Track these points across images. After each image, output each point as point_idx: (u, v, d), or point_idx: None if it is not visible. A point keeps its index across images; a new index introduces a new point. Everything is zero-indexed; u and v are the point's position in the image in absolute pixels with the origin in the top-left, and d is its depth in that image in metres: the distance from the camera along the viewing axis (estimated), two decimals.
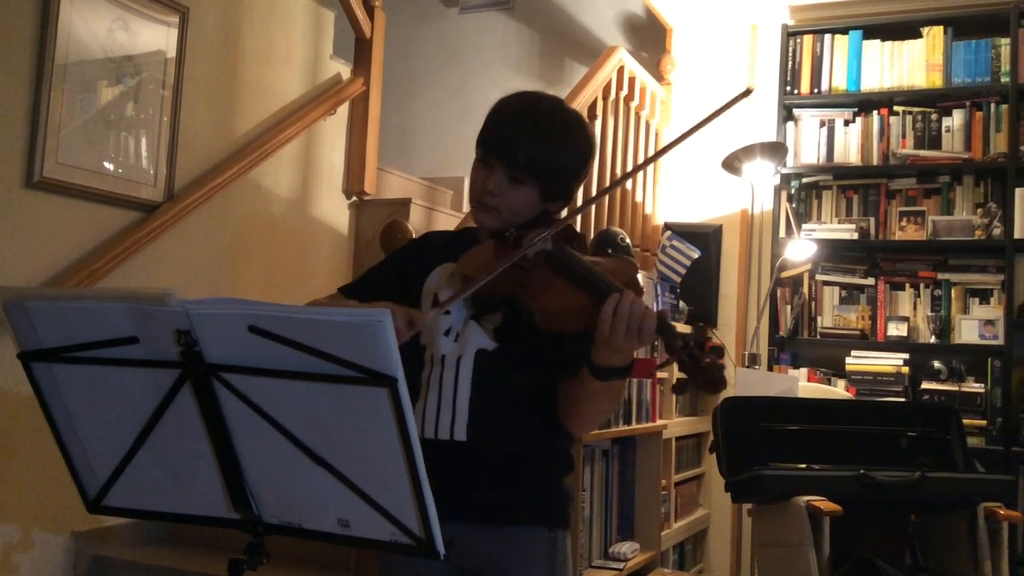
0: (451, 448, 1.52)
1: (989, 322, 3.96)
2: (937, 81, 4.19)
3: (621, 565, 3.00)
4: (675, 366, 1.40)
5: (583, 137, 1.62)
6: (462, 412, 1.53)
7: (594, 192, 3.83)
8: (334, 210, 3.90)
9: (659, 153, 1.69)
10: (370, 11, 3.99)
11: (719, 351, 1.39)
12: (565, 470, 1.65)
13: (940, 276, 4.13)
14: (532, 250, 1.49)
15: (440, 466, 1.51)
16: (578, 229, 1.64)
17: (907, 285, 4.19)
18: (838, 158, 4.32)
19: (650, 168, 4.54)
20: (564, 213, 1.67)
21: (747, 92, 1.63)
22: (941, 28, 4.19)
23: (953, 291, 4.09)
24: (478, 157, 1.61)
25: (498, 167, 1.56)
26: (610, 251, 1.62)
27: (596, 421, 1.60)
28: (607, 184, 4.06)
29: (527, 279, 1.47)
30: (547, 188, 1.57)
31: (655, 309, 1.38)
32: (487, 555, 1.54)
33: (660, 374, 3.57)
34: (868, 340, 4.17)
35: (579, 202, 3.76)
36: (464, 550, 1.51)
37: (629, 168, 4.30)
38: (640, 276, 1.51)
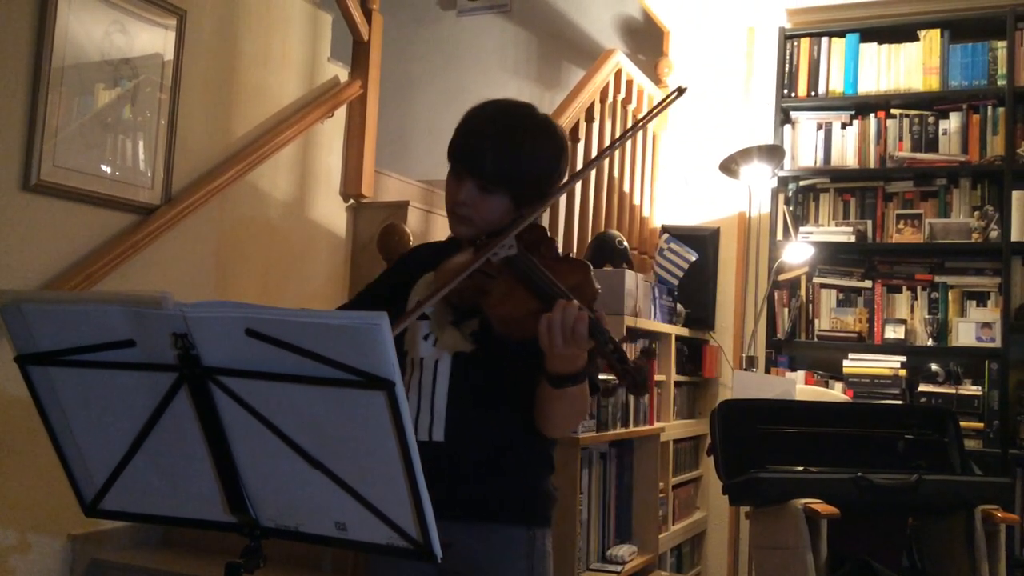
0: (431, 449, 1.54)
1: (986, 325, 3.97)
2: (934, 84, 4.20)
3: (619, 568, 3.00)
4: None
5: (552, 141, 1.63)
6: (439, 414, 1.57)
7: (578, 192, 3.82)
8: (331, 213, 3.90)
9: (601, 154, 1.75)
10: (368, 14, 3.99)
11: (649, 353, 1.44)
12: (545, 470, 1.68)
13: (937, 279, 4.14)
14: (495, 257, 1.51)
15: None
16: (560, 232, 1.71)
17: (904, 288, 4.20)
18: (835, 161, 4.33)
19: (647, 171, 4.54)
20: (545, 217, 1.70)
21: (680, 91, 1.70)
22: (938, 31, 4.20)
23: (950, 294, 4.10)
24: (450, 168, 1.63)
25: (468, 177, 1.59)
26: (571, 255, 1.66)
27: (565, 425, 1.62)
28: (604, 187, 4.06)
29: (490, 286, 1.50)
30: (519, 194, 1.59)
31: (591, 313, 1.40)
32: (465, 553, 1.55)
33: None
34: (865, 343, 4.18)
35: (567, 203, 3.77)
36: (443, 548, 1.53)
37: (627, 171, 4.30)
38: (592, 278, 1.53)
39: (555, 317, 1.38)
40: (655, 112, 1.68)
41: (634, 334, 3.24)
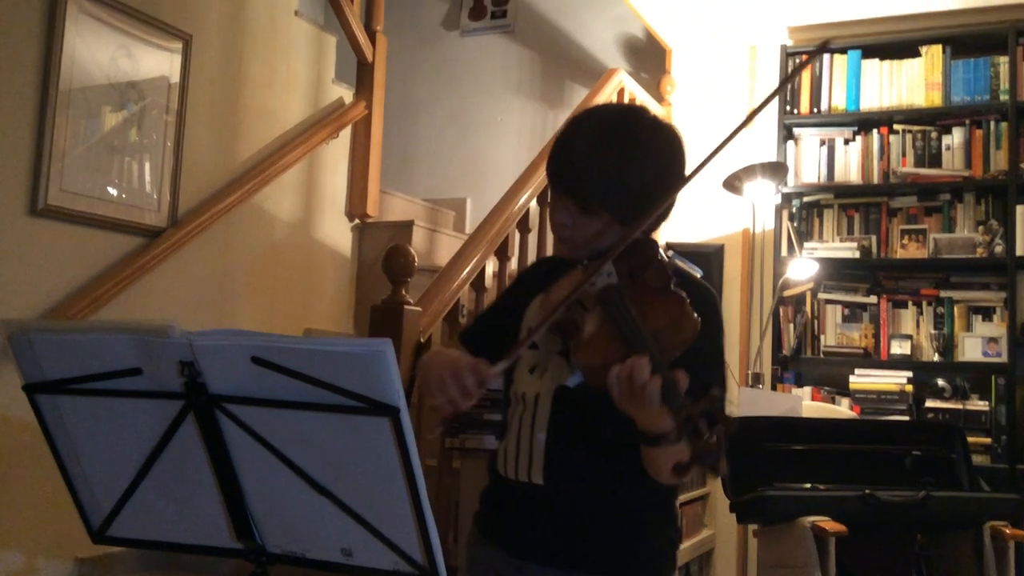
0: (530, 490, 1.45)
1: (992, 340, 3.96)
2: (936, 100, 4.20)
3: None
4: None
5: (657, 148, 1.45)
6: (538, 455, 1.44)
7: None
8: (337, 233, 3.91)
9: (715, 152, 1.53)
10: (372, 35, 4.02)
11: (728, 425, 1.14)
12: (659, 520, 1.51)
13: (942, 294, 4.13)
14: (591, 287, 1.35)
15: (520, 507, 1.47)
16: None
17: (910, 303, 4.19)
18: (839, 177, 4.33)
19: None
20: (658, 235, 1.55)
21: (824, 46, 1.52)
22: (940, 47, 4.21)
23: (956, 309, 4.09)
24: (550, 187, 1.50)
25: (565, 198, 1.44)
26: (673, 283, 1.35)
27: (673, 478, 1.34)
28: None
29: (583, 321, 1.33)
30: (623, 212, 1.41)
31: (665, 372, 1.18)
32: None
33: None
34: (871, 358, 4.17)
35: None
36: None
37: None
38: (689, 310, 1.29)
39: (620, 375, 1.20)
40: (801, 69, 1.50)
41: None
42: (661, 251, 1.44)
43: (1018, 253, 3.92)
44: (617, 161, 1.41)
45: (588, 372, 1.30)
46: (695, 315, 1.29)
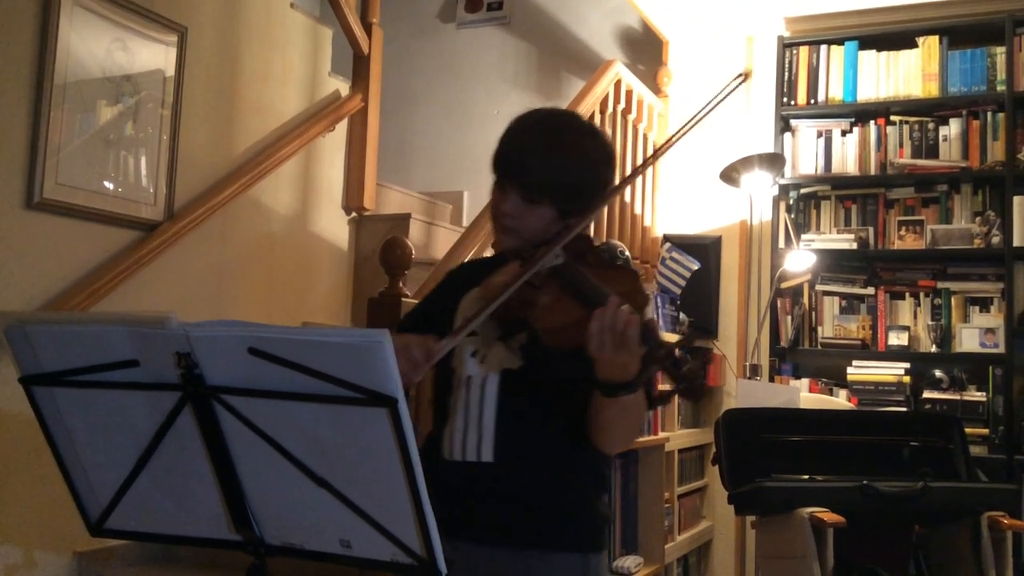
0: (479, 469, 1.51)
1: (990, 330, 3.96)
2: (933, 90, 4.20)
3: None
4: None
5: (596, 150, 1.59)
6: (488, 433, 1.52)
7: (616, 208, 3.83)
8: (334, 226, 3.91)
9: (665, 145, 1.71)
10: (368, 28, 4.01)
11: (701, 355, 1.40)
12: (599, 491, 1.61)
13: (940, 285, 4.13)
14: (543, 267, 1.48)
15: (468, 488, 1.52)
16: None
17: (907, 294, 4.20)
18: (836, 168, 4.33)
19: (648, 181, 4.55)
20: (592, 228, 1.68)
21: (745, 77, 1.70)
22: (936, 38, 4.20)
23: (953, 300, 4.09)
24: (494, 180, 1.61)
25: (512, 189, 1.56)
26: (619, 263, 1.61)
27: (622, 439, 1.57)
28: (616, 201, 4.06)
29: (536, 297, 1.46)
30: (564, 206, 1.55)
31: (645, 318, 1.35)
32: None
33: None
34: (869, 350, 4.17)
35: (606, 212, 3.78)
36: (490, 573, 1.50)
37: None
38: (641, 284, 1.49)
39: (606, 317, 1.32)
40: (718, 101, 1.66)
41: None
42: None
43: (1015, 244, 3.92)
44: (563, 158, 1.55)
45: (554, 334, 1.44)
46: (645, 290, 1.47)
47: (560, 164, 1.54)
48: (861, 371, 4.10)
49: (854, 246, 4.22)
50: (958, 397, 3.93)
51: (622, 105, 4.23)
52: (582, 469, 1.57)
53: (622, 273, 1.52)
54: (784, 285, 4.25)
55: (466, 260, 1.91)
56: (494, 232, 1.63)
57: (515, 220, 1.56)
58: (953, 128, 4.16)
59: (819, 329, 4.30)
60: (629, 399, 1.41)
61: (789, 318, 4.33)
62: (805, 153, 4.39)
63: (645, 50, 5.10)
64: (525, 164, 1.55)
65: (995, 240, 3.98)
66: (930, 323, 4.11)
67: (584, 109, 3.80)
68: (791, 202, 4.42)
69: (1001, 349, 3.92)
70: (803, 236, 4.32)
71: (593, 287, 1.43)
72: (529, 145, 1.56)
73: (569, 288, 1.45)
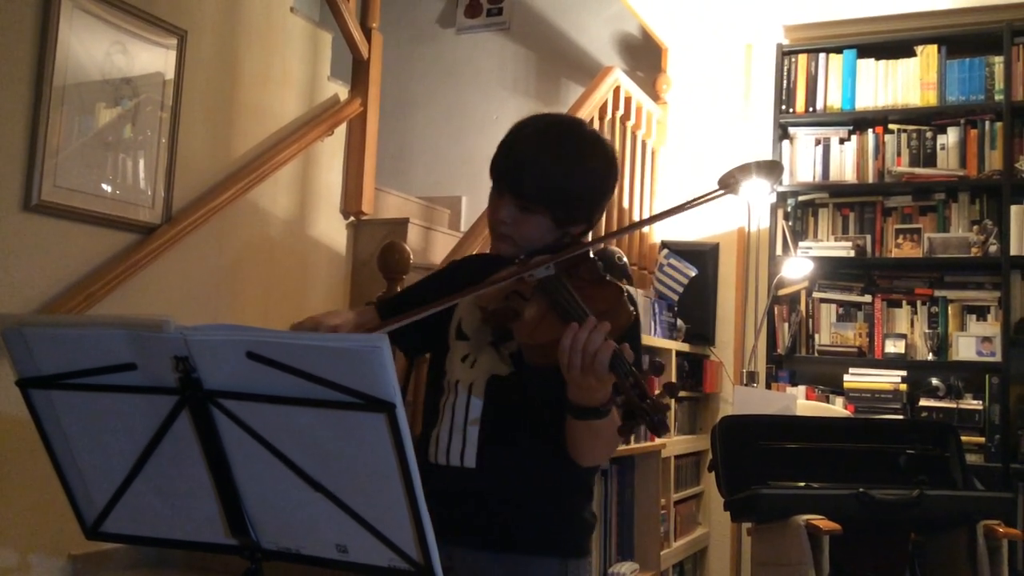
0: (462, 474, 1.51)
1: (986, 339, 3.97)
2: (931, 99, 4.21)
3: None
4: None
5: (596, 160, 1.57)
6: (472, 439, 1.52)
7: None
8: (332, 230, 3.91)
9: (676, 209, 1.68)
10: (367, 32, 4.01)
11: (672, 390, 1.30)
12: (582, 498, 1.60)
13: (937, 293, 4.14)
14: (530, 278, 1.46)
15: (450, 492, 1.51)
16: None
17: (904, 302, 4.20)
18: (834, 176, 4.34)
19: (647, 187, 4.55)
20: (589, 236, 1.65)
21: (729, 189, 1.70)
22: (935, 47, 4.21)
23: (950, 308, 4.10)
24: (492, 186, 1.60)
25: (507, 196, 1.55)
26: (608, 276, 1.57)
27: (593, 457, 1.52)
28: (615, 208, 4.07)
29: (522, 308, 1.44)
30: (560, 214, 1.54)
31: (625, 341, 1.30)
32: None
33: None
34: (866, 357, 4.18)
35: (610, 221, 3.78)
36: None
37: (627, 188, 4.31)
38: (626, 301, 1.44)
39: (579, 337, 1.28)
40: (698, 203, 1.68)
41: None
42: (591, 252, 1.56)
43: (1012, 253, 3.93)
44: (560, 166, 1.52)
45: (530, 350, 1.40)
46: (630, 307, 1.44)
47: (555, 173, 1.52)
48: (858, 379, 4.10)
49: (851, 254, 4.23)
50: (954, 405, 3.93)
51: (621, 111, 4.24)
52: (563, 477, 1.55)
53: (608, 289, 1.48)
54: (781, 292, 4.25)
55: (477, 254, 1.88)
56: (491, 237, 1.62)
57: (510, 227, 1.56)
58: (951, 137, 4.17)
59: (816, 336, 4.30)
60: (600, 423, 1.37)
61: (786, 325, 4.33)
62: (803, 161, 4.39)
63: (644, 57, 5.11)
64: (520, 172, 1.53)
65: (992, 249, 3.99)
66: (927, 331, 4.11)
67: (583, 115, 3.81)
68: (789, 209, 4.42)
69: (998, 358, 3.92)
70: (800, 243, 4.32)
71: (575, 304, 1.39)
72: (526, 153, 1.54)
73: (552, 303, 1.42)
